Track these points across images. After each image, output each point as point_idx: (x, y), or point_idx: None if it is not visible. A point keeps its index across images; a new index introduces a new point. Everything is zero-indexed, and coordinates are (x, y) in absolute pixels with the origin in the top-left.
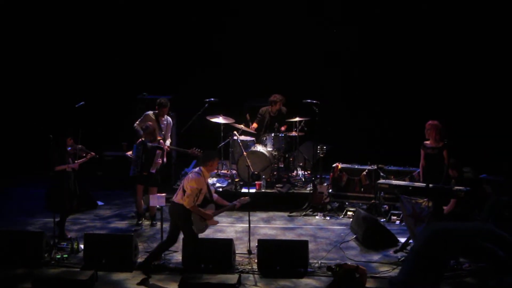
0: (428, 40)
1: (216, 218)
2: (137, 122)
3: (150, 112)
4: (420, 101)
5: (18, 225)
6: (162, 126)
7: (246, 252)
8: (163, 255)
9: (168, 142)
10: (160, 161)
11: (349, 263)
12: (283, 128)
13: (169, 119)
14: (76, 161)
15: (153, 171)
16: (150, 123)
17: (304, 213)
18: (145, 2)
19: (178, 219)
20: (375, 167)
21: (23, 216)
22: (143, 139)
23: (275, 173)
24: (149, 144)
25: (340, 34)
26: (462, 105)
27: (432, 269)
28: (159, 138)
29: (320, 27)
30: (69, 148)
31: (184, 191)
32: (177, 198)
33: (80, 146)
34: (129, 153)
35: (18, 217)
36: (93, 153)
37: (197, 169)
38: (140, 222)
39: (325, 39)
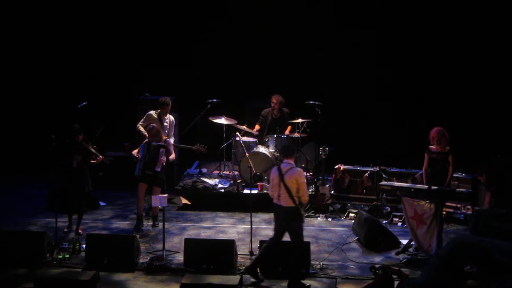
0: (430, 43)
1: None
2: (140, 123)
3: (153, 112)
4: (423, 103)
5: (20, 225)
6: (165, 124)
7: (248, 253)
8: (164, 256)
9: (172, 140)
10: (164, 159)
11: (393, 267)
12: (287, 131)
13: (172, 117)
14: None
15: (158, 169)
16: (154, 124)
17: (306, 214)
18: (147, 2)
19: (294, 223)
20: (377, 169)
21: (25, 216)
22: (148, 139)
23: None
24: (154, 143)
25: (343, 35)
26: (465, 108)
27: (452, 276)
28: (164, 137)
29: (322, 27)
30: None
31: (289, 192)
32: (285, 202)
33: (93, 146)
34: (135, 152)
35: (20, 217)
36: (101, 157)
37: (288, 164)
38: (139, 226)
39: (327, 39)
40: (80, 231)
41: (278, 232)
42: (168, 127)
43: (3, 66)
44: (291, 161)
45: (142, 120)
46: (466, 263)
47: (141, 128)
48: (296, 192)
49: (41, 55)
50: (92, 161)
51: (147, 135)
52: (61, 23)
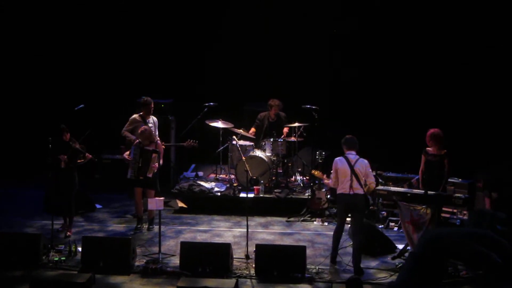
0: (428, 44)
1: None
2: (124, 128)
3: (136, 115)
4: (420, 107)
5: (16, 227)
6: (150, 125)
7: (243, 257)
8: (160, 259)
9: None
10: (157, 165)
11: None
12: (285, 130)
13: (155, 118)
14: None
15: (150, 175)
16: (146, 126)
17: (302, 218)
18: (144, 6)
19: (362, 209)
20: (374, 174)
21: (21, 218)
22: (138, 140)
23: (273, 178)
24: (146, 148)
25: (340, 38)
26: (462, 111)
27: (430, 273)
28: (157, 139)
29: (320, 30)
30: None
31: (358, 180)
32: (358, 189)
33: (80, 145)
34: (126, 154)
35: (16, 219)
36: (90, 156)
37: (353, 154)
38: (139, 226)
39: (324, 43)
40: (69, 233)
41: (343, 220)
42: (153, 127)
43: (3, 69)
44: (354, 152)
45: (126, 125)
46: (443, 255)
47: (127, 134)
48: (364, 180)
49: (38, 57)
50: (79, 161)
51: (135, 139)
52: (60, 24)
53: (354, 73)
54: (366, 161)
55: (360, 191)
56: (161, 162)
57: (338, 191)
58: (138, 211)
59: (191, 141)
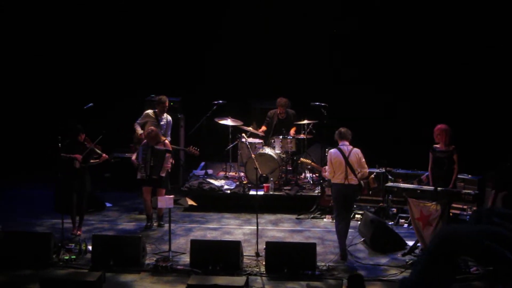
0: (440, 40)
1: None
2: (137, 121)
3: (150, 111)
4: (429, 102)
5: (26, 226)
6: (162, 123)
7: (254, 254)
8: (170, 257)
9: (168, 140)
10: (170, 166)
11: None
12: (292, 132)
13: (169, 117)
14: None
15: (163, 174)
16: (152, 127)
17: (312, 215)
18: (154, 5)
19: (355, 197)
20: (383, 170)
21: (31, 217)
22: (145, 141)
23: (283, 175)
24: (158, 147)
25: (348, 35)
26: (471, 107)
27: (444, 271)
28: (163, 139)
29: (329, 27)
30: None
31: (353, 170)
32: (353, 180)
33: (95, 146)
34: (134, 157)
35: (26, 218)
36: (106, 156)
37: (346, 145)
38: (149, 224)
39: (332, 40)
40: (79, 232)
41: (341, 208)
42: (165, 126)
43: (9, 66)
44: (347, 142)
45: (139, 118)
46: (456, 253)
47: (136, 127)
48: (357, 169)
49: (47, 56)
50: (93, 161)
51: (142, 135)
52: (67, 23)
53: (364, 68)
54: (358, 150)
55: (354, 181)
56: (173, 161)
57: (333, 181)
58: (148, 210)
59: (194, 148)
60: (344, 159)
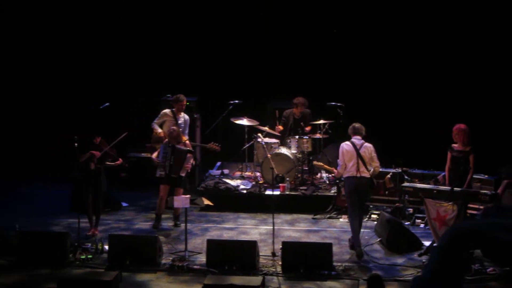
0: (457, 39)
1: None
2: (155, 121)
3: (168, 110)
4: (446, 102)
5: (43, 225)
6: (180, 122)
7: (270, 254)
8: (187, 257)
9: (188, 140)
10: (190, 166)
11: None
12: (307, 129)
13: (186, 116)
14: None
15: (183, 174)
16: (174, 127)
17: (328, 215)
18: (168, 3)
19: (369, 191)
20: (400, 170)
21: (47, 217)
22: (166, 140)
23: (299, 175)
24: (179, 147)
25: (363, 35)
26: (491, 106)
27: (454, 266)
28: (184, 139)
29: (345, 26)
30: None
31: (364, 163)
32: (365, 173)
33: (110, 149)
34: (154, 155)
35: (43, 218)
36: (121, 160)
37: (358, 139)
38: (156, 224)
39: (348, 39)
40: (96, 232)
41: (355, 203)
42: (183, 125)
43: (27, 66)
44: (360, 137)
45: (157, 118)
46: (468, 249)
47: (155, 126)
48: (369, 164)
49: (65, 55)
50: (108, 163)
51: (162, 133)
52: (82, 23)
53: (380, 67)
54: (371, 145)
55: (366, 174)
56: (193, 162)
57: (345, 175)
58: (159, 209)
59: (215, 144)
60: (356, 152)
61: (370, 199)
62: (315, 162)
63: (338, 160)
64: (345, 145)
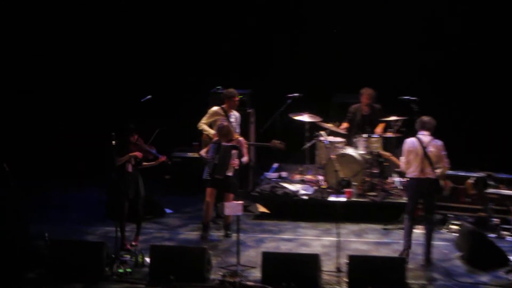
0: None
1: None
2: (202, 121)
3: (217, 107)
4: None
5: (76, 234)
6: (232, 120)
7: (334, 270)
8: (239, 272)
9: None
10: (237, 162)
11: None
12: (380, 129)
13: (237, 113)
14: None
15: (230, 173)
16: (224, 123)
17: (401, 226)
18: None
19: (433, 194)
20: (484, 175)
21: (81, 224)
22: (216, 138)
23: (367, 179)
24: (224, 144)
25: (441, 24)
26: None
27: None
28: (236, 136)
29: (419, 11)
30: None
31: (431, 163)
32: (430, 174)
33: (149, 146)
34: (203, 151)
35: (77, 225)
36: (163, 158)
37: (425, 135)
38: (204, 235)
39: (422, 28)
40: (135, 242)
41: (414, 207)
42: (234, 123)
43: (62, 59)
44: (428, 133)
45: (205, 117)
46: None
47: (205, 127)
48: (436, 163)
49: (105, 45)
50: (146, 163)
51: (215, 134)
52: (125, 17)
53: (460, 57)
54: (440, 142)
55: (431, 175)
56: (246, 159)
57: (408, 175)
58: (206, 217)
59: (278, 141)
60: (422, 150)
61: (449, 207)
62: (381, 151)
63: (401, 158)
64: (409, 142)
